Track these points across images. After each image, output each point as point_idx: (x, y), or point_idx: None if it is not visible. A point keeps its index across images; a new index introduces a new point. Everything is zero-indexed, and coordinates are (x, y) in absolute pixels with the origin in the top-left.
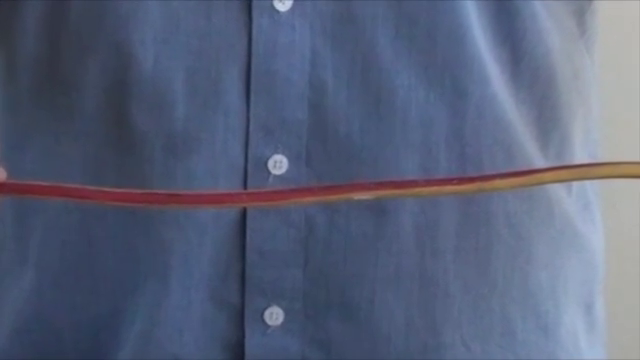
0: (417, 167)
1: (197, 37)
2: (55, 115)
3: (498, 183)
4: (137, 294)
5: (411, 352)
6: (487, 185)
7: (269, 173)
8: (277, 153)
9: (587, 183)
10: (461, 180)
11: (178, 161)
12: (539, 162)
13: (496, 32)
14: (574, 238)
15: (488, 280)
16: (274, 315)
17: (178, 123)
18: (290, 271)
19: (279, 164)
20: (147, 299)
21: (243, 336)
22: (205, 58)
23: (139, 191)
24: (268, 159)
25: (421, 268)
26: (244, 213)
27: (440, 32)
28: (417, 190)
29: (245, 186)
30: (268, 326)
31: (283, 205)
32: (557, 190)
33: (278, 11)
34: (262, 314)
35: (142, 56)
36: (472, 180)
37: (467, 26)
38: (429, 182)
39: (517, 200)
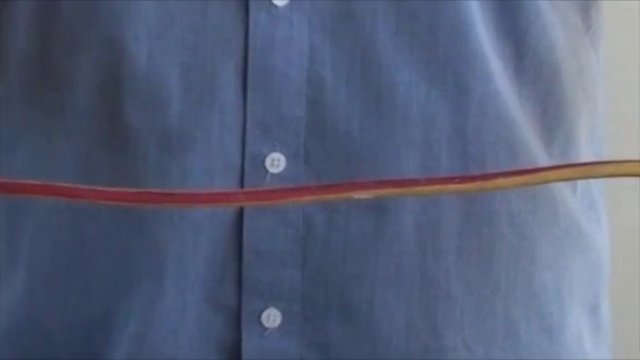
0: (418, 165)
1: (192, 32)
2: (47, 113)
3: (501, 182)
4: (131, 295)
5: (412, 354)
6: (490, 184)
7: (266, 171)
8: (274, 151)
9: (592, 182)
10: (463, 179)
11: (173, 159)
12: (543, 160)
13: (499, 27)
14: (579, 238)
15: (491, 281)
16: (271, 317)
17: (173, 120)
18: (288, 272)
19: (277, 162)
20: (141, 300)
21: (240, 338)
22: (200, 54)
23: (132, 190)
24: (265, 157)
25: (422, 269)
26: (241, 212)
27: (442, 27)
28: (418, 189)
29: (242, 185)
30: (265, 328)
31: (281, 204)
32: (561, 189)
33: (276, 6)
34: (259, 316)
35: (136, 52)
36: (474, 179)
37: (469, 21)
38: (430, 181)
39: (521, 199)
